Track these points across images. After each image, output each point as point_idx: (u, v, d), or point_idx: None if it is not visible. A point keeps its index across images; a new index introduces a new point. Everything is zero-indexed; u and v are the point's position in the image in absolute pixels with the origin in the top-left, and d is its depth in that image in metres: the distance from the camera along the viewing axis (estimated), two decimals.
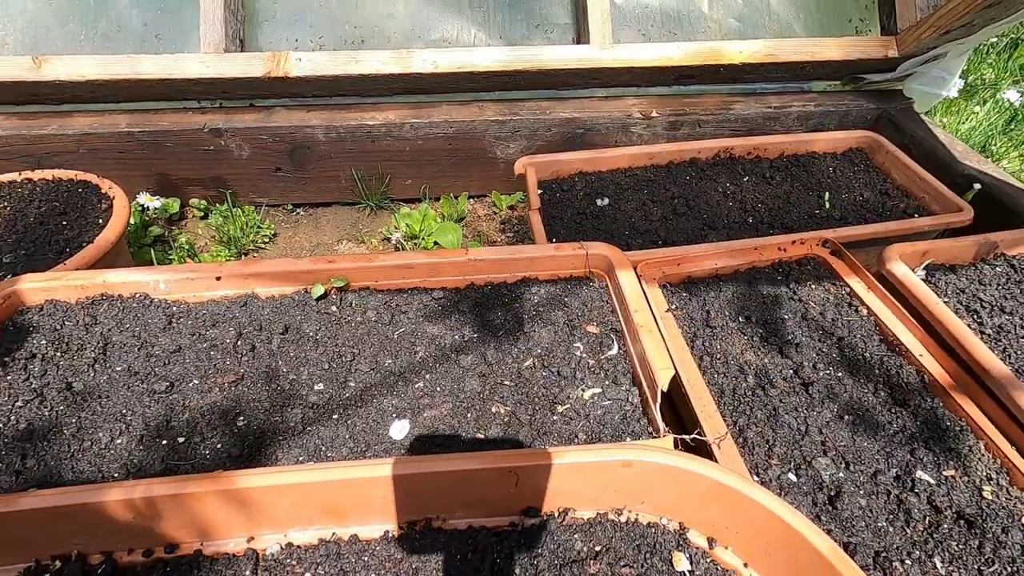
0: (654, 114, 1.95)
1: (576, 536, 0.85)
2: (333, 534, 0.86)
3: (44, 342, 1.11)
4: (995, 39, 3.01)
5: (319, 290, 1.23)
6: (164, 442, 0.98)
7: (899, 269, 1.30)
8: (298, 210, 2.08)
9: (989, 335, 1.24)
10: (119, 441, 0.98)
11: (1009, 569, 0.90)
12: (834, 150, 1.89)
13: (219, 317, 1.18)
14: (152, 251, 1.81)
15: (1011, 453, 1.03)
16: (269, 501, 0.82)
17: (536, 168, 1.72)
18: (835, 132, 1.94)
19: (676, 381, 1.06)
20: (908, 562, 0.91)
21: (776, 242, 1.42)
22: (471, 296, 1.26)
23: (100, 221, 1.48)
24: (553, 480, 0.85)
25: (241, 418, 1.03)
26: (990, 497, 0.99)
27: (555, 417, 1.04)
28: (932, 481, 1.01)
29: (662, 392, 1.01)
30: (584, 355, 1.14)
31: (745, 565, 0.84)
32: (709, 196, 1.70)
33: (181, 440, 0.98)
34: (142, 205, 1.88)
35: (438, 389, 1.09)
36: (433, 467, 0.82)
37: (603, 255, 1.27)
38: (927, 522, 0.96)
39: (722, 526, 0.84)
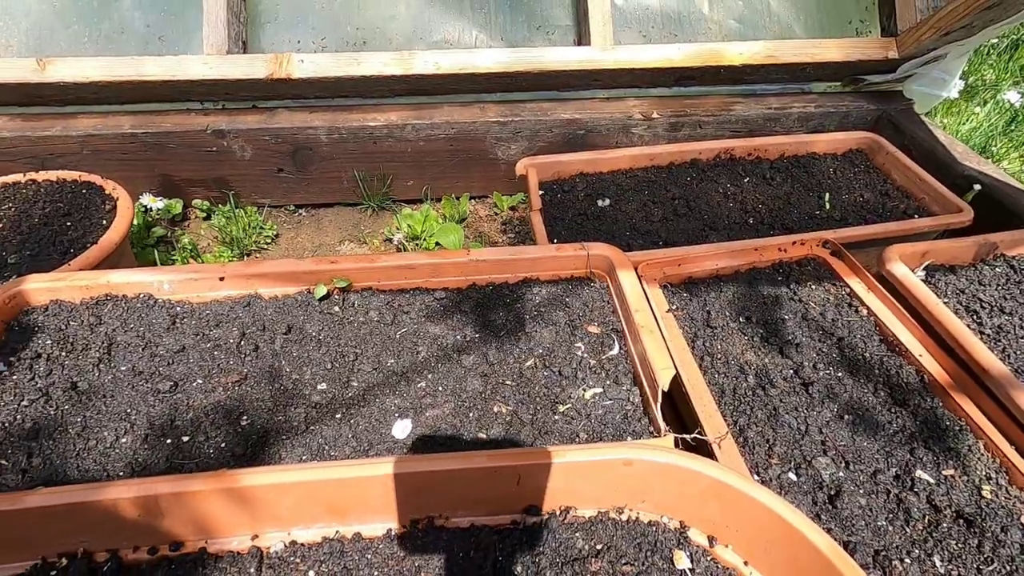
0: (655, 115, 1.96)
1: (577, 534, 0.86)
2: (336, 532, 0.86)
3: (49, 342, 1.11)
4: (996, 40, 3.01)
5: (322, 290, 1.24)
6: (168, 441, 0.99)
7: (899, 270, 1.31)
8: (300, 211, 2.09)
9: (989, 335, 1.25)
10: (124, 440, 0.98)
11: (1008, 568, 0.91)
12: (834, 151, 1.90)
13: (223, 317, 1.19)
14: (155, 252, 1.82)
15: (1010, 452, 1.04)
16: (273, 499, 0.83)
17: (537, 169, 1.73)
18: (835, 133, 1.94)
19: (677, 381, 1.07)
20: (908, 561, 0.92)
21: (776, 243, 1.43)
22: (473, 296, 1.27)
23: (104, 222, 1.49)
24: (554, 479, 0.85)
25: (245, 417, 1.03)
26: (989, 496, 0.99)
27: (556, 417, 1.05)
28: (931, 480, 1.01)
29: (663, 392, 1.02)
30: (585, 355, 1.15)
31: (745, 563, 0.85)
32: (710, 197, 1.71)
33: (185, 439, 0.99)
34: (145, 206, 1.89)
35: (440, 389, 1.09)
36: (435, 466, 0.83)
37: (604, 256, 1.28)
38: (926, 521, 0.97)
39: (722, 524, 0.85)
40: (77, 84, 1.68)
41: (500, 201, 2.06)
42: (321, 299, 1.24)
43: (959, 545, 0.94)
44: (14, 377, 1.06)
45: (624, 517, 0.88)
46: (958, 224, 1.55)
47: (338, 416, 1.04)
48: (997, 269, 1.38)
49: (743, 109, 1.99)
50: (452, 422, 1.04)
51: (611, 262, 1.26)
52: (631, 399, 1.07)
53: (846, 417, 1.11)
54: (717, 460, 0.95)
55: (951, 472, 1.03)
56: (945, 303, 1.26)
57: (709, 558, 0.85)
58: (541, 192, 1.69)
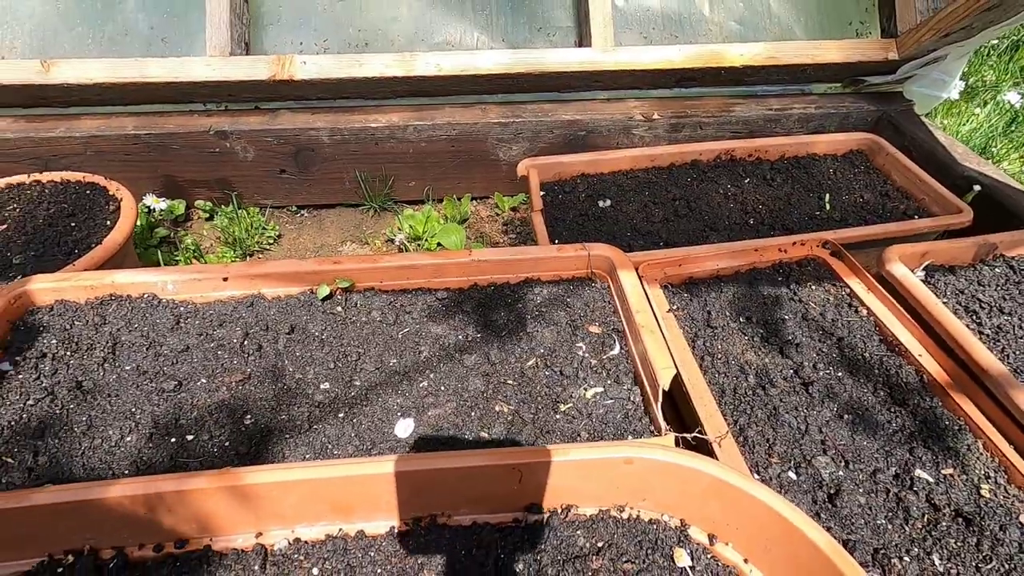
0: (655, 116, 1.97)
1: (579, 532, 0.87)
2: (340, 530, 0.87)
3: (54, 341, 1.12)
4: (996, 41, 3.02)
5: (324, 291, 1.25)
6: (173, 440, 1.00)
7: (898, 270, 1.32)
8: (302, 212, 2.10)
9: (988, 335, 1.25)
10: (129, 439, 0.99)
11: (1007, 566, 0.91)
12: (835, 152, 1.90)
13: (226, 317, 1.20)
14: (159, 252, 1.83)
15: (1009, 452, 1.04)
16: (276, 497, 0.84)
17: (538, 170, 1.74)
18: (836, 134, 1.95)
19: (677, 381, 1.08)
20: (907, 559, 0.93)
21: (777, 243, 1.44)
22: (474, 297, 1.27)
23: (108, 223, 1.50)
24: (556, 477, 0.86)
25: (248, 416, 1.04)
26: (988, 495, 1.00)
27: (558, 416, 1.05)
28: (931, 479, 1.02)
29: (663, 391, 1.02)
30: (586, 355, 1.16)
31: (745, 561, 0.85)
32: (710, 198, 1.72)
33: (190, 438, 1.00)
34: (148, 207, 1.90)
35: (442, 388, 1.10)
36: (438, 464, 0.84)
37: (605, 256, 1.29)
38: (926, 520, 0.97)
39: (723, 522, 0.86)
40: (81, 85, 1.69)
41: (501, 202, 2.07)
42: (324, 299, 1.25)
43: (958, 543, 0.94)
44: (20, 376, 1.07)
45: (625, 515, 0.89)
46: (958, 225, 1.56)
47: (341, 415, 1.05)
48: (996, 270, 1.39)
49: (743, 110, 2.00)
50: (454, 421, 1.04)
51: (612, 262, 1.27)
52: (632, 398, 1.08)
53: (846, 416, 1.11)
54: (717, 459, 0.95)
55: (950, 471, 1.03)
56: (944, 303, 1.26)
57: (709, 556, 0.86)
58: (542, 193, 1.69)
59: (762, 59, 1.84)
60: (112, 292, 1.21)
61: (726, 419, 1.07)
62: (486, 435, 1.02)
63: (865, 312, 1.31)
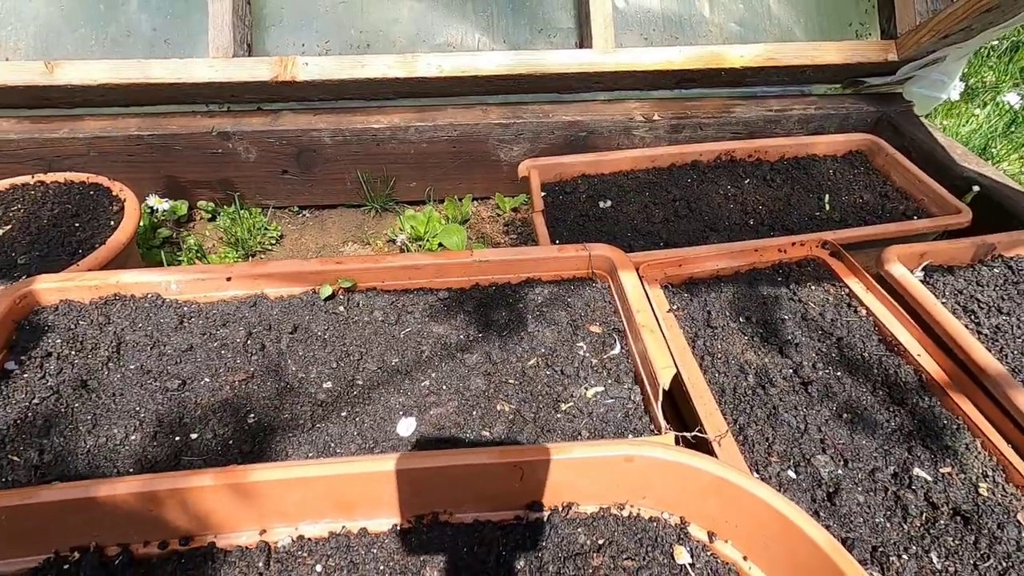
0: (656, 117, 1.97)
1: (579, 530, 0.87)
2: (343, 527, 0.88)
3: (59, 341, 1.13)
4: (996, 42, 3.02)
5: (327, 290, 1.25)
6: (177, 438, 1.01)
7: (897, 270, 1.32)
8: (304, 212, 2.11)
9: (986, 335, 1.26)
10: (133, 437, 1.00)
11: (1004, 564, 0.92)
12: (834, 153, 1.91)
13: (229, 317, 1.21)
14: (162, 253, 1.84)
15: (1007, 451, 1.05)
16: (280, 495, 0.84)
17: (539, 171, 1.74)
18: (835, 135, 1.96)
19: (677, 380, 1.08)
20: (905, 557, 0.93)
21: (776, 244, 1.44)
22: (476, 296, 1.28)
23: (112, 223, 1.51)
24: (557, 475, 0.87)
25: (252, 415, 1.05)
26: (986, 494, 1.01)
27: (559, 415, 1.06)
28: (929, 478, 1.02)
29: (664, 390, 1.03)
30: (587, 354, 1.16)
31: (745, 558, 0.86)
32: (710, 198, 1.72)
33: (194, 436, 1.01)
34: (151, 207, 1.91)
35: (444, 387, 1.11)
36: (440, 462, 0.85)
37: (606, 256, 1.29)
38: (924, 518, 0.98)
39: (722, 520, 0.86)
40: (84, 87, 1.70)
41: (502, 202, 2.08)
42: (326, 299, 1.25)
43: (956, 542, 0.95)
44: (25, 376, 1.08)
45: (625, 513, 0.90)
46: (957, 225, 1.56)
47: (343, 414, 1.06)
48: (995, 270, 1.39)
49: (743, 111, 2.01)
50: (456, 420, 1.05)
51: (613, 263, 1.28)
52: (632, 398, 1.08)
53: (845, 416, 1.12)
54: (717, 458, 0.96)
55: (948, 470, 1.04)
56: (943, 303, 1.27)
57: (709, 553, 0.87)
58: (543, 193, 1.70)
59: (762, 60, 1.85)
60: (116, 292, 1.22)
61: (726, 418, 1.08)
62: (488, 434, 1.03)
63: (864, 312, 1.32)
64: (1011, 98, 2.57)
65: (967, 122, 2.57)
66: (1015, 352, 1.22)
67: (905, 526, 0.97)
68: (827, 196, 1.72)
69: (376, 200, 2.06)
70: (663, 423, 1.00)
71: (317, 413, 1.06)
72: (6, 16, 1.79)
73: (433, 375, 1.13)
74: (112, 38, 1.81)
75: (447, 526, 0.88)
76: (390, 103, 1.97)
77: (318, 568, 0.84)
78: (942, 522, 0.97)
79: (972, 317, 1.30)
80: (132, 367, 1.11)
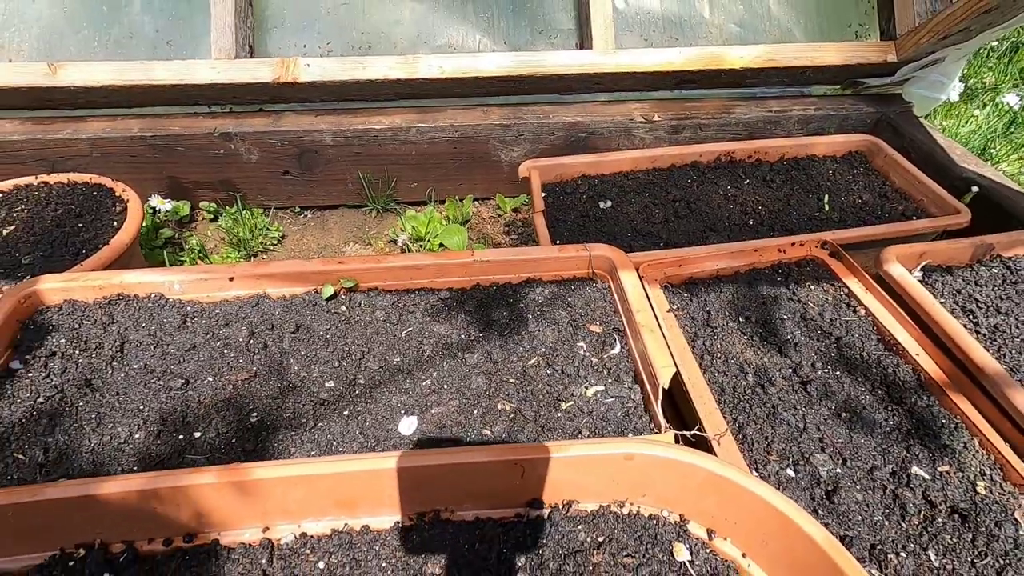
0: (656, 118, 1.98)
1: (580, 527, 0.88)
2: (345, 525, 0.89)
3: (63, 340, 1.14)
4: (995, 43, 3.03)
5: (329, 290, 1.26)
6: (180, 437, 1.01)
7: (896, 270, 1.33)
8: (306, 213, 2.12)
9: (984, 335, 1.26)
10: (137, 435, 1.01)
11: (1001, 562, 0.93)
12: (834, 153, 1.92)
13: (232, 316, 1.22)
14: (164, 253, 1.85)
15: (1004, 449, 1.06)
16: (283, 492, 0.85)
17: (540, 171, 1.75)
18: (835, 136, 1.97)
19: (677, 379, 1.09)
20: (903, 555, 0.94)
21: (776, 244, 1.45)
22: (477, 296, 1.29)
23: (115, 223, 1.52)
24: (557, 473, 0.87)
25: (254, 414, 1.06)
26: (984, 492, 1.01)
27: (559, 414, 1.07)
28: (927, 476, 1.03)
29: (663, 390, 1.04)
30: (587, 354, 1.17)
31: (743, 555, 0.87)
32: (710, 199, 1.73)
33: (197, 434, 1.02)
34: (153, 208, 1.92)
35: (445, 387, 1.11)
36: (441, 460, 0.85)
37: (606, 256, 1.30)
38: (922, 516, 0.99)
39: (721, 517, 0.87)
40: (87, 88, 1.71)
41: (503, 203, 2.08)
42: (328, 299, 1.26)
43: (954, 539, 0.96)
44: (30, 375, 1.09)
45: (625, 510, 0.91)
46: (956, 226, 1.57)
47: (345, 413, 1.07)
48: (993, 270, 1.40)
49: (743, 112, 2.02)
50: (457, 419, 1.06)
51: (613, 263, 1.29)
52: (632, 397, 1.09)
53: (844, 415, 1.13)
54: (717, 457, 0.97)
55: (946, 468, 1.05)
56: (942, 303, 1.28)
57: (708, 550, 0.87)
58: (544, 194, 1.71)
59: (762, 61, 1.86)
60: (120, 292, 1.23)
61: (725, 417, 1.08)
62: (488, 433, 1.04)
63: (863, 312, 1.33)
64: (1010, 99, 2.58)
65: (966, 123, 2.58)
66: (1013, 351, 1.23)
67: (903, 524, 0.98)
68: (826, 197, 1.73)
69: (377, 201, 2.07)
70: (663, 422, 1.01)
71: (319, 412, 1.07)
72: (9, 17, 1.80)
73: (434, 374, 1.14)
74: (115, 39, 1.82)
75: (448, 523, 0.89)
76: (391, 104, 1.98)
77: (321, 565, 0.84)
78: (940, 520, 0.98)
79: (970, 317, 1.30)
80: (136, 366, 1.12)
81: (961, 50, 1.82)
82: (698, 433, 1.03)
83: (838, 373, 1.20)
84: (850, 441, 1.08)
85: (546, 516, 0.90)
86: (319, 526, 0.89)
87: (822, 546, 0.77)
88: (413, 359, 1.16)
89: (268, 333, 1.19)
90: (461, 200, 2.08)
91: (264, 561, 0.84)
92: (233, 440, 1.01)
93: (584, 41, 1.90)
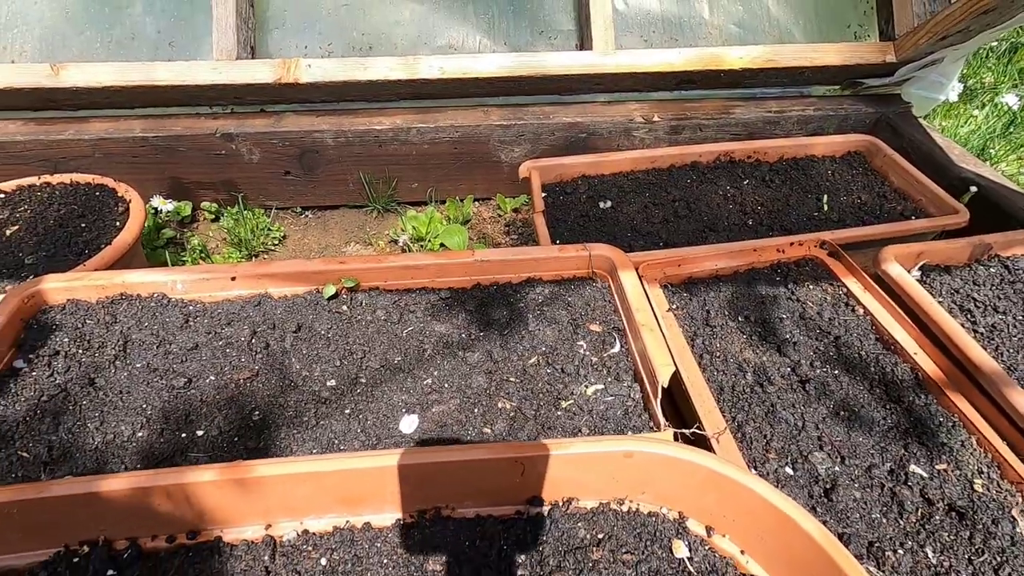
0: (656, 118, 1.99)
1: (579, 524, 0.89)
2: (347, 522, 0.89)
3: (67, 340, 1.15)
4: (995, 44, 3.04)
5: (330, 290, 1.27)
6: (183, 435, 1.02)
7: (894, 270, 1.34)
8: (307, 213, 2.13)
9: (982, 334, 1.27)
10: (140, 434, 1.02)
11: (998, 559, 0.93)
12: (833, 154, 1.92)
13: (234, 316, 1.22)
14: (166, 253, 1.86)
15: (1002, 447, 1.07)
16: (285, 490, 0.86)
17: (540, 172, 1.76)
18: (834, 136, 1.97)
19: (676, 378, 1.10)
20: (901, 552, 0.94)
21: (775, 243, 1.46)
22: (477, 296, 1.30)
23: (117, 223, 1.53)
24: (557, 470, 0.88)
25: (256, 412, 1.07)
26: (981, 490, 1.02)
27: (559, 412, 1.08)
28: (925, 474, 1.04)
29: (663, 388, 1.04)
30: (587, 353, 1.18)
31: (742, 552, 0.87)
32: (710, 199, 1.74)
33: (200, 433, 1.02)
34: (155, 208, 1.92)
35: (446, 385, 1.12)
36: (442, 457, 0.86)
37: (606, 256, 1.31)
38: (919, 514, 0.99)
39: (719, 514, 0.88)
40: (90, 89, 1.72)
41: (503, 203, 2.09)
42: (330, 298, 1.27)
43: (951, 537, 0.96)
44: (34, 373, 1.09)
45: (625, 508, 0.91)
46: (954, 225, 1.58)
47: (347, 411, 1.08)
48: (991, 269, 1.41)
49: (743, 112, 2.02)
50: (458, 417, 1.07)
51: (612, 262, 1.29)
52: (632, 395, 1.10)
53: (842, 413, 1.14)
54: (715, 455, 0.97)
55: (944, 466, 1.05)
56: (940, 302, 1.28)
57: (707, 547, 0.88)
58: (544, 194, 1.72)
59: (761, 62, 1.87)
60: (123, 291, 1.24)
61: (724, 416, 1.09)
62: (489, 431, 1.04)
63: (862, 311, 1.33)
64: (1010, 99, 2.58)
65: (966, 123, 2.59)
66: (1010, 350, 1.23)
67: (901, 521, 0.98)
68: (825, 197, 1.74)
69: (378, 201, 2.08)
70: (662, 420, 1.01)
71: (321, 410, 1.07)
72: (12, 19, 1.81)
73: (435, 373, 1.14)
74: (117, 40, 1.83)
75: (449, 521, 0.90)
76: (392, 105, 1.98)
77: (323, 562, 0.85)
78: (937, 518, 0.98)
79: (968, 316, 1.31)
80: (139, 365, 1.13)
81: (960, 51, 1.83)
82: (697, 431, 1.03)
83: (836, 372, 1.21)
84: (848, 439, 1.09)
85: (546, 513, 0.90)
86: (321, 523, 0.89)
87: (819, 542, 0.78)
88: (414, 358, 1.17)
89: (270, 332, 1.20)
90: (461, 200, 2.08)
91: (267, 558, 0.85)
92: (235, 438, 1.02)
93: (584, 42, 1.91)
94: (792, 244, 1.45)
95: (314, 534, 0.88)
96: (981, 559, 0.94)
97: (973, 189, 1.74)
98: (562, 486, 0.91)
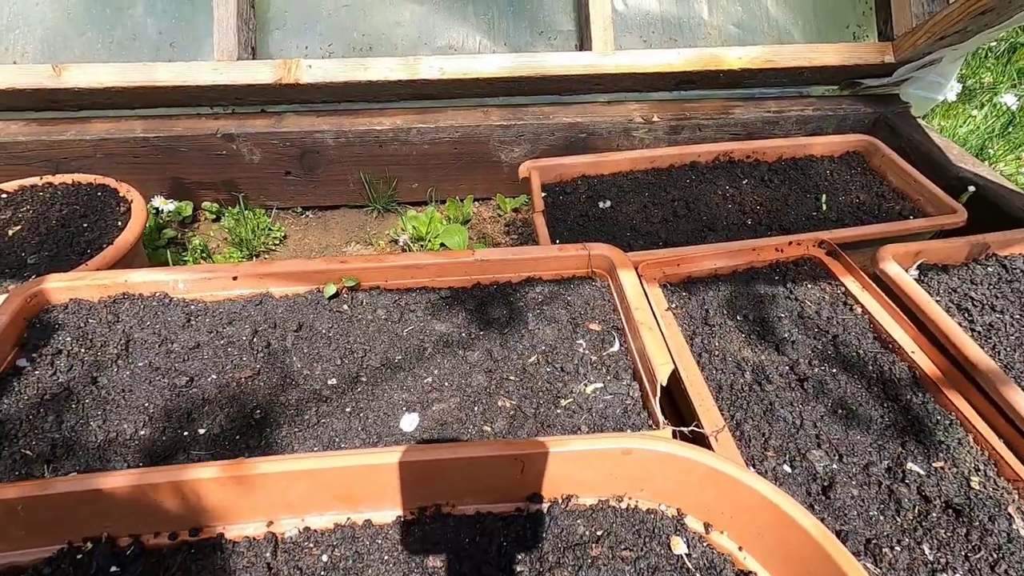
0: (655, 119, 2.00)
1: (579, 521, 0.89)
2: (348, 519, 0.90)
3: (69, 339, 1.15)
4: (994, 44, 3.05)
5: (331, 289, 1.28)
6: (185, 433, 1.03)
7: (892, 269, 1.34)
8: (307, 213, 2.14)
9: (979, 332, 1.28)
10: (143, 432, 1.02)
11: (995, 556, 0.94)
12: (831, 153, 1.93)
13: (235, 315, 1.23)
14: (167, 253, 1.86)
15: (998, 445, 1.07)
16: (287, 487, 0.87)
17: (540, 172, 1.76)
18: (832, 136, 1.98)
19: (675, 377, 1.10)
20: (898, 549, 0.95)
21: (773, 243, 1.46)
22: (477, 295, 1.30)
23: (119, 223, 1.53)
24: (557, 467, 0.89)
25: (258, 411, 1.07)
26: (978, 487, 1.02)
27: (559, 411, 1.08)
28: (922, 472, 1.04)
29: (661, 387, 1.05)
30: (586, 351, 1.19)
31: (740, 548, 0.88)
32: (709, 198, 1.74)
33: (201, 431, 1.03)
34: (156, 208, 1.93)
35: (446, 384, 1.13)
36: (443, 454, 0.87)
37: (605, 255, 1.32)
38: (917, 511, 1.00)
39: (717, 511, 0.88)
40: (91, 89, 1.73)
41: (503, 203, 2.10)
42: (331, 298, 1.28)
43: (948, 534, 0.97)
44: (37, 372, 1.10)
45: (623, 505, 0.92)
46: (952, 225, 1.58)
47: (348, 410, 1.08)
48: (989, 268, 1.41)
49: (742, 112, 2.03)
50: (458, 416, 1.07)
51: (612, 262, 1.30)
52: (631, 394, 1.11)
53: (840, 411, 1.14)
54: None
55: (941, 464, 1.06)
56: (937, 301, 1.29)
57: (705, 544, 0.89)
58: (543, 194, 1.72)
59: (760, 62, 1.87)
60: (125, 291, 1.24)
61: (723, 414, 1.10)
62: (489, 429, 1.05)
63: (860, 310, 1.34)
64: (1008, 99, 2.59)
65: (964, 123, 2.59)
66: (1007, 349, 1.24)
67: (898, 519, 0.99)
68: (824, 196, 1.74)
69: (378, 201, 2.08)
70: (661, 418, 1.02)
71: (322, 409, 1.08)
72: (14, 20, 1.81)
73: (435, 372, 1.15)
74: (118, 42, 1.84)
75: (449, 517, 0.90)
76: (392, 105, 1.99)
77: (324, 558, 0.86)
78: (934, 515, 0.99)
79: (966, 315, 1.32)
80: (141, 364, 1.14)
81: (958, 51, 1.84)
82: (696, 429, 1.04)
83: (835, 370, 1.22)
84: (846, 437, 1.10)
85: (546, 510, 0.91)
86: (322, 520, 0.90)
87: (816, 538, 0.78)
88: (414, 357, 1.18)
89: (271, 331, 1.21)
90: (462, 200, 2.09)
91: (268, 554, 0.86)
92: (237, 436, 1.03)
93: (584, 42, 1.92)
94: (791, 243, 1.46)
95: (315, 531, 0.89)
96: (977, 556, 0.94)
97: (971, 189, 1.75)
98: (561, 483, 0.91)
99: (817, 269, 1.43)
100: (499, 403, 1.10)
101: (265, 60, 1.79)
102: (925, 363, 1.21)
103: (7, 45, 1.80)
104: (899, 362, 1.23)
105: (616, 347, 1.20)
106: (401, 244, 1.98)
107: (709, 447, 1.01)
